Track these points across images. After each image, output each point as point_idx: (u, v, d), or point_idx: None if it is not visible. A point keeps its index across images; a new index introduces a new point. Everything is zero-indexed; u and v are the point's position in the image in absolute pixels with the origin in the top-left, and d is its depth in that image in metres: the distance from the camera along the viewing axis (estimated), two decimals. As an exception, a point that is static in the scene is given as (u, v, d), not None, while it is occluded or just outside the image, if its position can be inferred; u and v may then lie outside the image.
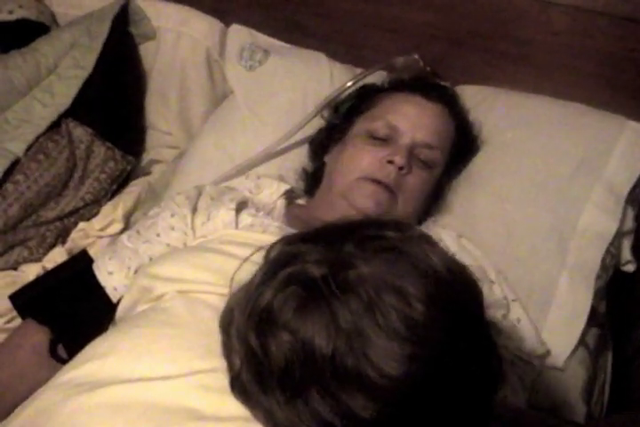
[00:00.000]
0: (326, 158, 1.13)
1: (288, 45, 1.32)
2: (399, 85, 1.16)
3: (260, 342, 0.61)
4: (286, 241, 0.67)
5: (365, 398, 0.57)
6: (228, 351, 0.65)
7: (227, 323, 0.66)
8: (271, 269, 0.64)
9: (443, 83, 1.22)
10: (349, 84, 1.17)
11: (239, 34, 1.33)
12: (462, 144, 1.13)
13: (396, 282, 0.59)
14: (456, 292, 0.61)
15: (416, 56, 1.22)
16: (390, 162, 1.02)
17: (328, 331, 0.58)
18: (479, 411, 0.61)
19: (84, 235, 1.19)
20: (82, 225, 1.20)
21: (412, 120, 1.06)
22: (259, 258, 0.68)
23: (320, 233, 0.67)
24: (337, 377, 0.57)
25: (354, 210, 1.00)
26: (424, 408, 0.58)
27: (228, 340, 0.65)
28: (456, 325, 0.60)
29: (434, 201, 1.13)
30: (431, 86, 1.16)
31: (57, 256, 1.15)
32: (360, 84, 1.18)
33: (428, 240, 0.66)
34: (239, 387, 0.64)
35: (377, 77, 1.21)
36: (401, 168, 1.01)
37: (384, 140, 1.05)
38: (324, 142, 1.16)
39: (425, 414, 0.59)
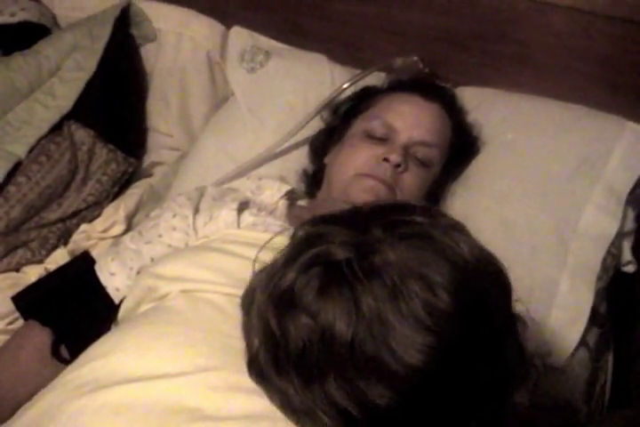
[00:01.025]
0: (326, 160, 1.14)
1: (289, 47, 1.33)
2: (397, 86, 1.17)
3: (279, 324, 0.60)
4: (313, 222, 0.66)
5: (383, 387, 0.56)
6: (247, 331, 0.64)
7: (248, 302, 0.65)
8: (295, 249, 0.63)
9: (442, 84, 1.22)
10: (347, 84, 1.17)
11: (240, 36, 1.33)
12: (460, 144, 1.13)
13: (423, 270, 0.58)
14: (483, 282, 0.60)
15: (415, 57, 1.22)
16: (386, 160, 1.02)
17: (349, 316, 0.57)
18: (497, 404, 0.61)
19: (86, 237, 1.19)
20: (84, 227, 1.20)
21: (408, 119, 1.06)
22: (264, 257, 0.68)
23: (348, 215, 0.65)
24: (355, 364, 0.56)
25: None
26: (442, 398, 0.58)
27: (248, 319, 0.64)
28: (480, 316, 0.59)
29: (433, 202, 1.13)
30: (429, 86, 1.17)
31: (59, 258, 1.15)
32: (359, 85, 1.19)
33: (458, 228, 0.64)
34: (256, 368, 0.63)
35: (376, 79, 1.21)
36: (397, 166, 1.02)
37: (381, 140, 1.05)
38: (324, 144, 1.17)
39: (442, 405, 0.58)
